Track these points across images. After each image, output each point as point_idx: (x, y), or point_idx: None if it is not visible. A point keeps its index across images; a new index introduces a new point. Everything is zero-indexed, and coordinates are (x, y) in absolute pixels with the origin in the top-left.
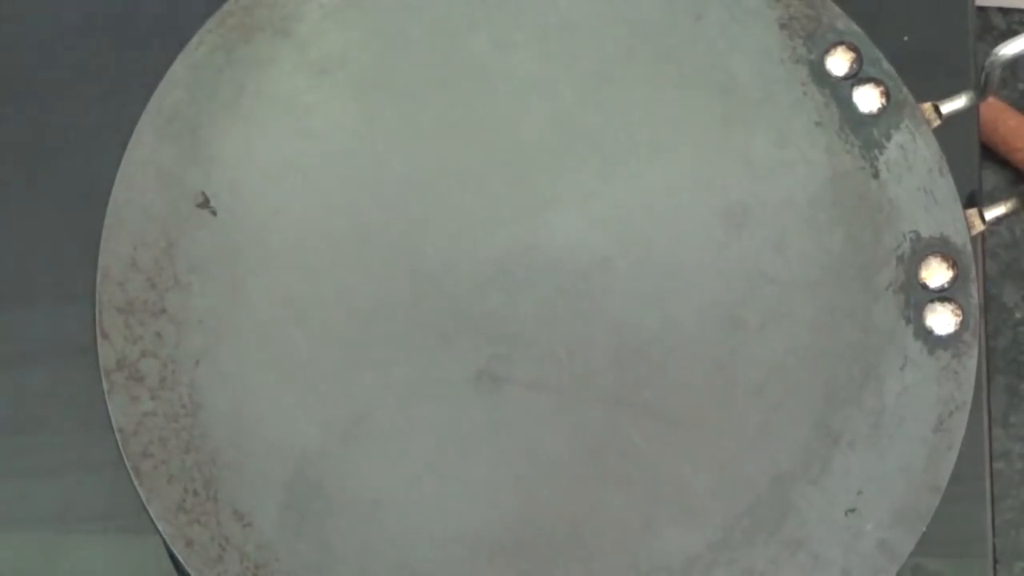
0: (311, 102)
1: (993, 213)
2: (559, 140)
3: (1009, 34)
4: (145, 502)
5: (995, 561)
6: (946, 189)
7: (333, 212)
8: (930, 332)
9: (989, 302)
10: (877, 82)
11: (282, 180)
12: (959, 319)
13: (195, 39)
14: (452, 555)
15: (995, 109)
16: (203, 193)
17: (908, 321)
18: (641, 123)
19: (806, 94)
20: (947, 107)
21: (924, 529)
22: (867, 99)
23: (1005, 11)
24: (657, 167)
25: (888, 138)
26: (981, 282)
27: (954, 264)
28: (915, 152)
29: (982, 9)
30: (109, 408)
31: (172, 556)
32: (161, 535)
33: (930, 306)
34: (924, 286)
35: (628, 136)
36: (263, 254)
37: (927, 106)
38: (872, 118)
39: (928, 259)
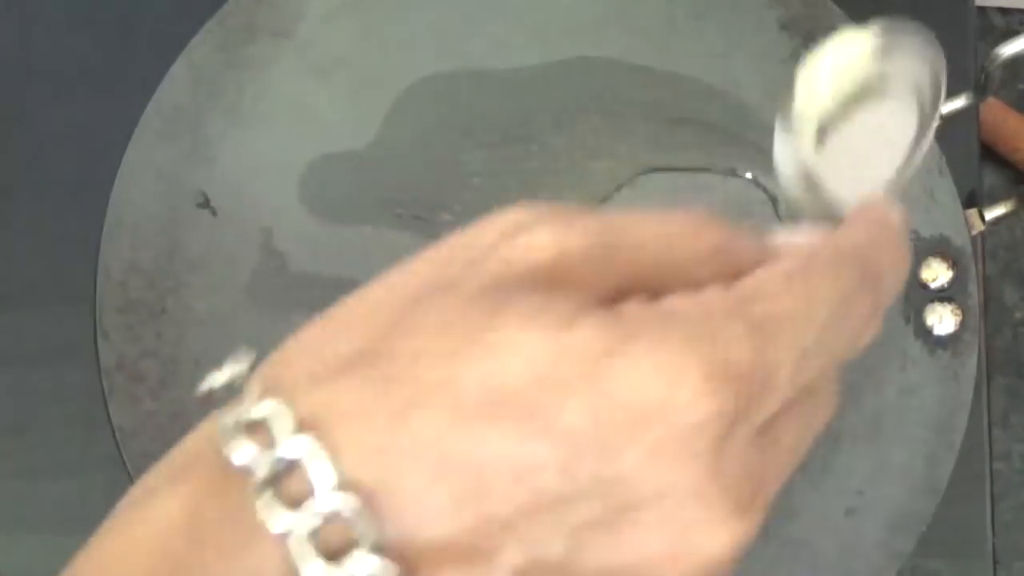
0: (311, 102)
1: (993, 213)
2: (559, 140)
3: (1009, 34)
4: None
5: (995, 561)
6: (946, 189)
7: (333, 212)
8: (930, 332)
9: (989, 302)
10: None
11: (282, 180)
12: (959, 319)
13: (195, 39)
14: None
15: (995, 109)
16: (203, 193)
17: (908, 321)
18: (640, 123)
19: None
20: (947, 107)
21: (924, 529)
22: None
23: (1005, 11)
24: (657, 168)
25: None
26: (981, 282)
27: (954, 264)
28: None
29: (982, 9)
30: (109, 408)
31: None
32: None
33: (930, 306)
34: (924, 286)
35: (628, 136)
36: (263, 254)
37: None
38: None
39: (928, 259)
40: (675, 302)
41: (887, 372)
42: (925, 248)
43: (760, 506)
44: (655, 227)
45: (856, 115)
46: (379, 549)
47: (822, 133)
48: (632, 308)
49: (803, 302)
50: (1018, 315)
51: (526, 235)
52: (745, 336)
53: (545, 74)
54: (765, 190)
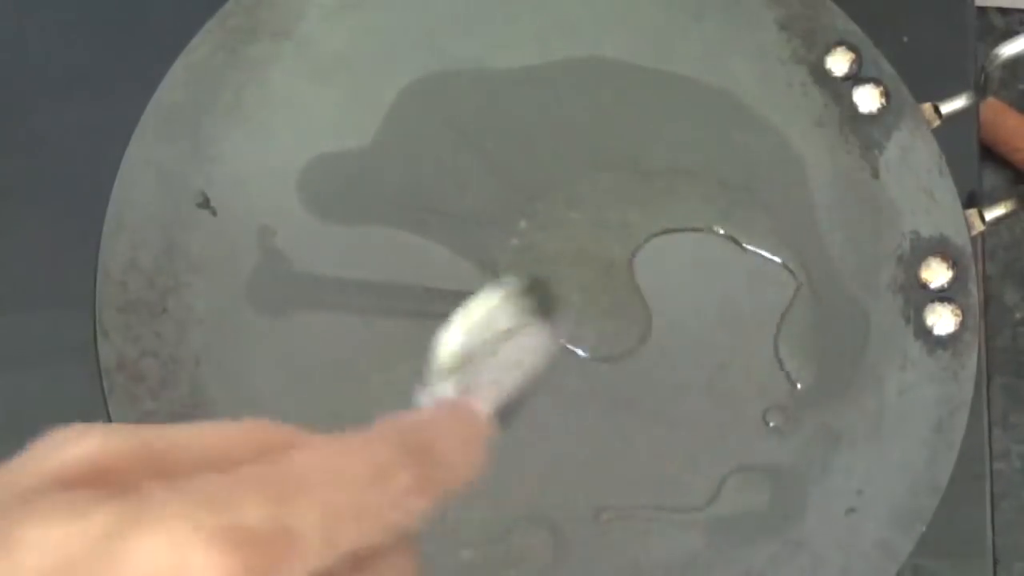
0: (311, 102)
1: (993, 213)
2: (558, 140)
3: (1009, 34)
4: None
5: (995, 561)
6: (946, 189)
7: (333, 212)
8: (930, 332)
9: (989, 302)
10: (877, 82)
11: (282, 180)
12: (959, 319)
13: (196, 39)
14: (453, 554)
15: (995, 109)
16: (203, 193)
17: (908, 321)
18: (640, 123)
19: (806, 94)
20: (947, 107)
21: (923, 529)
22: (867, 99)
23: (1005, 11)
24: (656, 168)
25: (888, 138)
26: (981, 282)
27: (954, 264)
28: (915, 152)
29: (982, 9)
30: (109, 408)
31: None
32: None
33: (930, 306)
34: (924, 286)
35: (628, 137)
36: (263, 254)
37: (927, 106)
38: (872, 118)
39: (928, 259)
40: (195, 478)
41: (887, 372)
42: (925, 248)
43: None
44: (200, 434)
45: (490, 356)
46: None
47: (462, 378)
48: (150, 487)
49: (328, 468)
50: (1018, 315)
51: (66, 446)
52: (260, 501)
53: (545, 74)
54: (788, 268)
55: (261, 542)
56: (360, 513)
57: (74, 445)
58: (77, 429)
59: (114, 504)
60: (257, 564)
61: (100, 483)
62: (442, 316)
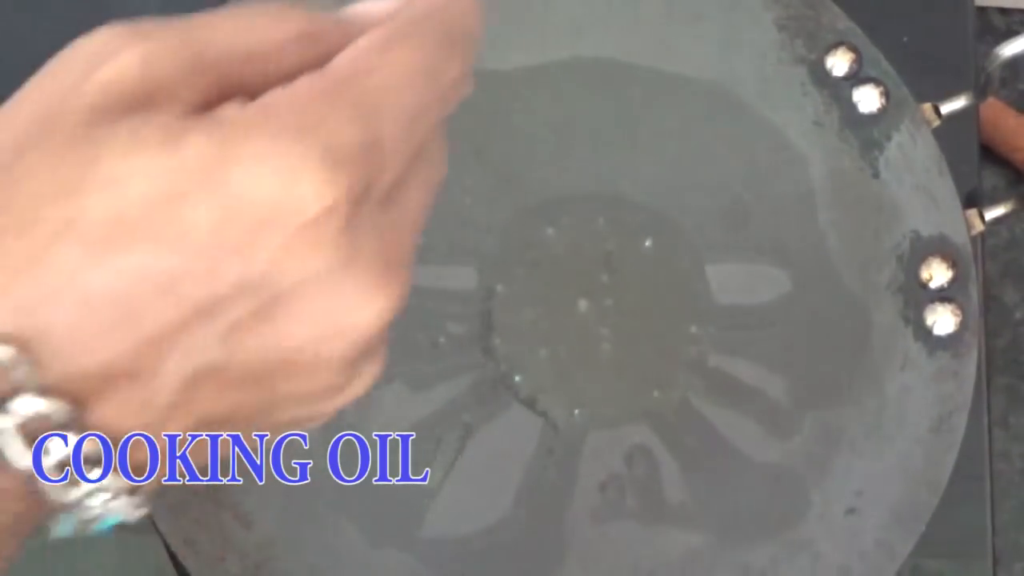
0: None
1: (993, 213)
2: (558, 140)
3: (1009, 34)
4: None
5: (995, 561)
6: (946, 189)
7: None
8: (930, 332)
9: (989, 302)
10: (877, 82)
11: None
12: (959, 319)
13: None
14: (454, 555)
15: (995, 109)
16: None
17: (908, 321)
18: (641, 124)
19: (806, 94)
20: (947, 107)
21: (923, 529)
22: (867, 99)
23: (1005, 11)
24: (657, 168)
25: (888, 138)
26: (981, 282)
27: (954, 264)
28: (915, 152)
29: (982, 9)
30: None
31: (172, 556)
32: (161, 535)
33: (930, 306)
34: (924, 286)
35: (628, 137)
36: None
37: (927, 106)
38: (872, 118)
39: (928, 259)
40: (273, 97)
41: (887, 372)
42: (925, 248)
43: (401, 265)
44: (235, 23)
45: None
46: (43, 391)
47: None
48: (232, 111)
49: (396, 72)
50: (1018, 315)
51: (111, 61)
52: (350, 117)
53: (545, 74)
54: None
55: (358, 159)
56: (425, 112)
57: (117, 60)
58: (107, 38)
59: (205, 128)
60: (359, 181)
61: (165, 100)
62: (441, 316)
